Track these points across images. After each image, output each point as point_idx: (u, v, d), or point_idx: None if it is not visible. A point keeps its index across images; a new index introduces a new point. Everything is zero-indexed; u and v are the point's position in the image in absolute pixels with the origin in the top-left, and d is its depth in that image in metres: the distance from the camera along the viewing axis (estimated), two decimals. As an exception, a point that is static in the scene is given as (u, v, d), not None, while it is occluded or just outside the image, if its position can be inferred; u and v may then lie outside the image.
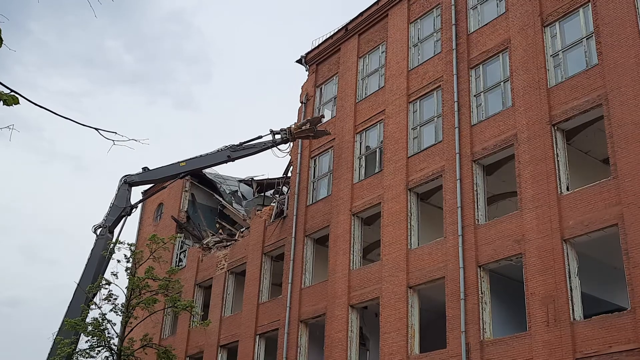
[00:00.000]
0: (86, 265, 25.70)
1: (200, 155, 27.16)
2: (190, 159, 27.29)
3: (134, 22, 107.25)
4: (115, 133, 5.91)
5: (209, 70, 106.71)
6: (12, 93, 5.23)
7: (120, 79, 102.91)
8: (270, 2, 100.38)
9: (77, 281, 25.50)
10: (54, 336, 24.33)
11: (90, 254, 25.96)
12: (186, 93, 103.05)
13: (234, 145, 26.16)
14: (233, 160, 26.59)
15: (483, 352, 17.80)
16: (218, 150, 26.55)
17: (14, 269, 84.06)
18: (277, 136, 25.27)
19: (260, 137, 26.03)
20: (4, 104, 5.16)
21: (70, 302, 25.04)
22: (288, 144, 25.66)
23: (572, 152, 19.04)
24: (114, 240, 25.66)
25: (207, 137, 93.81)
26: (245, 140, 26.30)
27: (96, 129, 5.79)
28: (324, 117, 25.59)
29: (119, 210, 26.40)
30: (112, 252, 25.36)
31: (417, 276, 20.46)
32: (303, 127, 24.67)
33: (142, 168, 27.25)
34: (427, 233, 21.53)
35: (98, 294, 24.42)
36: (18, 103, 5.19)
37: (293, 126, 25.03)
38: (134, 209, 26.89)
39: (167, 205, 34.88)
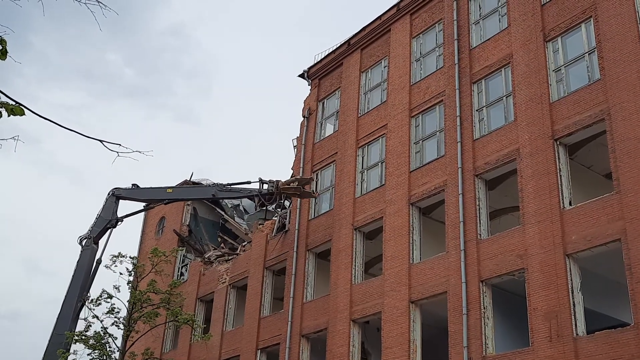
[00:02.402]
0: (73, 276, 25.83)
1: (188, 187, 28.22)
2: (178, 187, 28.26)
3: (134, 36, 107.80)
4: (120, 145, 5.94)
5: (209, 84, 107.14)
6: (18, 104, 5.28)
7: (120, 92, 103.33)
8: (271, 16, 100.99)
9: (67, 294, 25.54)
10: (45, 349, 24.33)
11: (76, 265, 26.09)
12: (186, 107, 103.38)
13: (221, 184, 26.92)
14: (217, 199, 27.58)
15: (486, 368, 17.70)
16: (207, 186, 27.35)
17: (15, 281, 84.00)
18: (265, 186, 25.51)
19: (249, 182, 26.57)
20: (9, 115, 5.20)
21: (59, 314, 25.09)
22: (272, 199, 26.10)
23: (575, 167, 19.04)
24: (99, 251, 25.89)
25: (207, 151, 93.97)
26: (233, 182, 27.02)
27: (100, 141, 5.81)
28: (313, 180, 25.82)
29: (105, 222, 26.61)
30: (99, 262, 25.68)
31: (419, 291, 20.39)
32: (291, 185, 24.82)
33: (132, 184, 27.53)
34: (429, 248, 21.48)
35: (85, 307, 24.60)
36: (23, 114, 5.24)
37: (282, 181, 25.27)
38: (120, 222, 27.05)
39: (169, 219, 34.88)
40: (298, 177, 25.73)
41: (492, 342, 18.17)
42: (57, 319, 24.95)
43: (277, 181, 25.19)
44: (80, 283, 25.36)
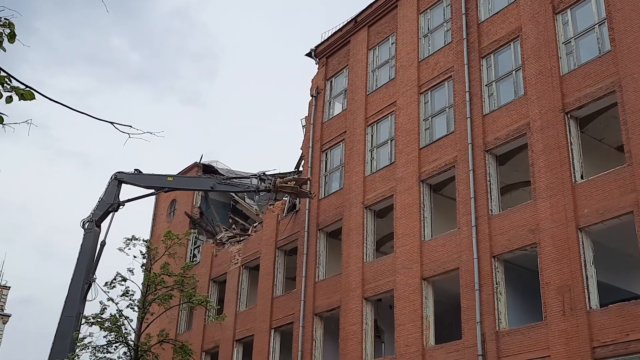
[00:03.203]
0: (77, 259, 26.17)
1: (188, 177, 28.99)
2: (178, 176, 28.77)
3: (138, 20, 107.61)
4: (131, 127, 5.95)
5: (215, 66, 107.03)
6: (28, 88, 5.30)
7: (127, 76, 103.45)
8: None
9: (73, 277, 25.90)
10: (56, 331, 24.78)
11: (80, 248, 26.40)
12: (193, 90, 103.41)
13: (220, 177, 27.38)
14: (215, 191, 28.28)
15: (499, 343, 17.77)
16: (206, 177, 27.92)
17: (29, 267, 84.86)
18: (263, 183, 25.91)
19: (248, 177, 27.12)
20: (20, 99, 5.22)
21: (66, 297, 25.46)
22: (269, 195, 26.53)
23: (586, 140, 18.91)
24: (103, 234, 26.35)
25: (215, 133, 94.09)
26: (232, 176, 27.65)
27: (111, 123, 5.83)
28: (310, 180, 26.12)
29: (107, 206, 26.85)
30: (104, 244, 26.04)
31: (431, 268, 20.43)
32: (288, 183, 25.08)
33: (135, 169, 27.70)
34: (440, 224, 21.47)
35: (92, 288, 24.93)
36: (34, 98, 5.27)
37: (280, 179, 25.60)
38: (122, 206, 27.28)
39: (180, 201, 35.02)
40: (296, 176, 26.06)
41: (504, 317, 18.21)
42: (65, 301, 25.34)
43: (275, 179, 25.54)
44: (85, 266, 25.71)
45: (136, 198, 28.01)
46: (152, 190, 28.11)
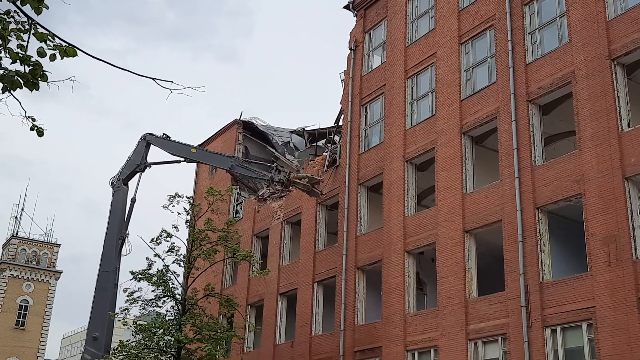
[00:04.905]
0: (109, 217, 27.02)
1: (210, 152, 29.93)
2: (201, 149, 29.54)
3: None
4: (172, 82, 6.02)
5: (250, 22, 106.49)
6: (70, 46, 5.40)
7: (164, 35, 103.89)
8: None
9: (106, 234, 26.72)
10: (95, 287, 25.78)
11: (111, 206, 27.18)
12: (229, 47, 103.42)
13: (239, 159, 28.21)
14: (231, 172, 29.13)
15: (542, 294, 17.70)
16: (227, 156, 28.49)
17: (76, 225, 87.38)
18: (278, 174, 26.38)
19: (267, 163, 27.86)
20: (62, 57, 5.32)
21: (102, 253, 26.38)
22: (281, 187, 27.35)
23: (633, 87, 18.36)
24: (133, 191, 27.26)
25: (252, 89, 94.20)
26: (252, 160, 28.84)
27: (153, 79, 5.90)
28: (322, 181, 26.51)
29: (134, 166, 27.45)
30: (134, 201, 27.04)
31: (473, 220, 20.34)
32: (302, 180, 25.32)
33: (163, 134, 28.13)
34: (482, 177, 21.27)
35: (125, 243, 25.75)
36: (76, 55, 5.38)
37: (293, 174, 25.94)
38: (148, 167, 27.82)
39: (222, 158, 35.31)
40: (309, 174, 26.32)
41: (548, 268, 18.10)
42: (102, 257, 26.28)
43: (290, 172, 26.23)
44: (117, 222, 26.60)
45: (161, 162, 28.52)
46: (176, 158, 28.46)
